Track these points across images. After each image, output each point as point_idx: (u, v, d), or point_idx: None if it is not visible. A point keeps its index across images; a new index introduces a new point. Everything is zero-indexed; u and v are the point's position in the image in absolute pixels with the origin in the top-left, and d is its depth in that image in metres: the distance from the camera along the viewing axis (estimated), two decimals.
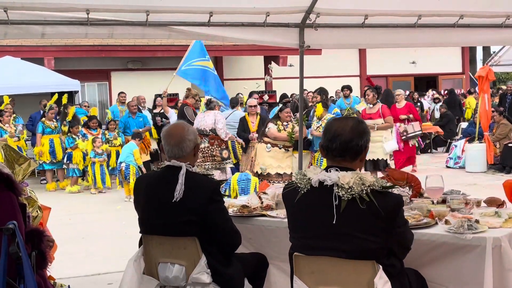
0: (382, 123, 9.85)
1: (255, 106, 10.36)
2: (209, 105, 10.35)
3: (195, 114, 11.08)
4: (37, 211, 3.76)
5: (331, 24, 5.64)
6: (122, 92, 14.24)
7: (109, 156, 12.01)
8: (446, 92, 19.22)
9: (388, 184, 2.78)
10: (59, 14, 4.82)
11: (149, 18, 4.96)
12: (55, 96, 12.70)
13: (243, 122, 9.95)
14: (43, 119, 12.37)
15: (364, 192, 2.67)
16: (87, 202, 10.65)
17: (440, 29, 5.96)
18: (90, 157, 11.57)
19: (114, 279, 5.69)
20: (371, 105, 10.08)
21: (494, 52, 14.14)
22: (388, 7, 5.50)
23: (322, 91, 10.19)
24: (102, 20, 4.95)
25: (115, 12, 4.92)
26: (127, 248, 6.13)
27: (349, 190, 2.68)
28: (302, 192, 2.82)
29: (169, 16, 5.07)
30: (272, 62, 17.56)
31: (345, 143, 2.79)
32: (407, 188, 3.94)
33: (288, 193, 2.92)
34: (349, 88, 15.24)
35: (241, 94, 15.14)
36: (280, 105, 9.95)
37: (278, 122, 8.98)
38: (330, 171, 2.79)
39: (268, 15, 5.27)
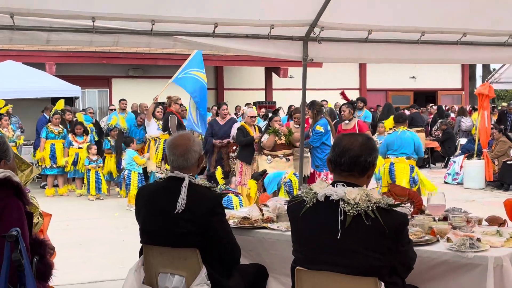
0: None
1: (254, 117, 10.40)
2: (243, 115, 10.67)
3: (180, 123, 11.11)
4: (38, 217, 3.76)
5: (335, 38, 5.66)
6: (123, 99, 14.17)
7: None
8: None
9: (394, 203, 2.77)
10: (64, 21, 4.83)
11: (154, 28, 4.97)
12: (60, 102, 12.71)
13: (242, 130, 9.93)
14: (48, 124, 12.37)
15: (369, 209, 2.67)
16: (85, 208, 10.62)
17: (443, 46, 5.98)
18: (85, 164, 11.57)
19: (111, 287, 5.68)
20: (347, 121, 9.54)
21: (494, 70, 14.19)
22: (392, 23, 5.53)
23: (311, 105, 9.22)
24: (107, 28, 4.96)
25: (120, 21, 4.93)
26: (125, 256, 6.14)
27: (355, 206, 2.68)
28: (308, 206, 2.82)
29: (174, 26, 5.08)
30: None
31: (353, 158, 2.80)
32: (409, 204, 3.95)
33: (293, 207, 2.92)
34: (363, 100, 14.25)
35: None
36: (271, 115, 9.91)
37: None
38: (336, 186, 2.79)
39: (273, 28, 5.29)
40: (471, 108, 18.99)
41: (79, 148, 12.04)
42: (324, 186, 2.81)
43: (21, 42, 5.02)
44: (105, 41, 5.11)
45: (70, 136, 12.15)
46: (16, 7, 4.53)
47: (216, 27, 5.09)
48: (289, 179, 8.10)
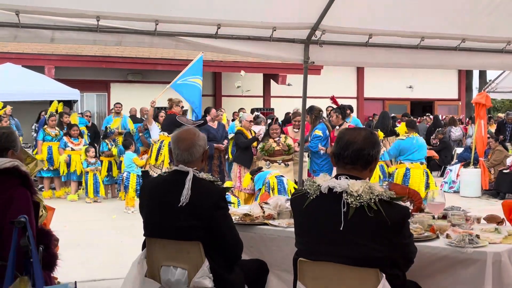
0: None
1: (252, 121, 10.49)
2: (256, 120, 10.95)
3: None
4: (42, 210, 3.80)
5: (336, 42, 5.74)
6: (118, 103, 14.20)
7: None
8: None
9: (396, 196, 2.82)
10: (69, 20, 4.88)
11: (157, 28, 5.03)
12: (55, 103, 12.73)
13: (242, 134, 9.99)
14: (45, 126, 12.40)
15: (372, 201, 2.72)
16: (83, 211, 10.63)
17: (442, 52, 6.07)
18: (83, 167, 11.59)
19: (110, 285, 5.69)
20: (338, 127, 9.18)
21: (490, 80, 14.28)
22: (392, 27, 5.61)
23: (310, 110, 9.16)
24: (111, 28, 5.01)
25: (124, 20, 4.98)
26: (123, 256, 6.15)
27: (357, 198, 2.73)
28: (311, 198, 2.86)
29: (178, 26, 5.14)
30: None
31: (357, 151, 2.85)
32: (409, 203, 4.00)
33: (297, 199, 2.97)
34: (349, 108, 15.09)
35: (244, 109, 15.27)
36: (269, 121, 9.92)
37: (270, 140, 9.09)
38: (340, 179, 2.84)
39: (275, 30, 5.36)
40: (469, 119, 19.11)
41: (73, 150, 11.99)
42: (327, 179, 2.86)
43: (26, 40, 5.06)
44: (109, 40, 5.15)
45: (65, 138, 12.12)
46: (22, 5, 4.58)
47: (219, 28, 5.16)
48: (269, 180, 8.17)
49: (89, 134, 13.60)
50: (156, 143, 11.35)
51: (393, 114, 17.43)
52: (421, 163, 9.23)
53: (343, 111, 9.39)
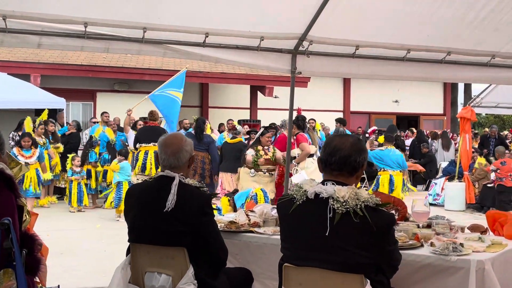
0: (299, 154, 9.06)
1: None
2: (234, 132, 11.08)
3: None
4: (25, 215, 3.74)
5: (323, 53, 5.78)
6: (105, 112, 14.15)
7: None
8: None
9: (382, 202, 2.83)
10: (57, 26, 4.86)
11: (145, 35, 5.04)
12: (45, 112, 12.63)
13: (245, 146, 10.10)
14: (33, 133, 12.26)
15: (358, 207, 2.73)
16: (66, 220, 10.54)
17: (428, 64, 6.14)
18: (68, 176, 11.49)
19: None
20: (294, 137, 9.13)
21: (475, 96, 14.45)
22: (379, 39, 5.66)
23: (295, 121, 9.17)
24: (99, 34, 5.01)
25: (112, 27, 4.98)
26: (107, 266, 6.10)
27: (344, 204, 2.74)
28: (298, 203, 2.87)
29: (166, 34, 5.15)
30: None
31: (344, 157, 2.86)
32: (394, 211, 4.01)
33: (283, 204, 2.97)
34: (340, 121, 15.60)
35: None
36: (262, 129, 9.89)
37: (259, 147, 9.06)
38: (326, 185, 2.85)
39: (263, 40, 5.39)
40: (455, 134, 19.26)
41: (26, 163, 10.68)
42: (314, 185, 2.87)
43: (13, 45, 5.04)
44: (96, 47, 5.14)
45: (15, 149, 10.87)
46: (9, 9, 4.56)
47: (207, 36, 5.18)
48: (256, 193, 8.23)
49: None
50: (134, 151, 11.31)
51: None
52: (401, 171, 10.58)
53: (297, 121, 9.38)
